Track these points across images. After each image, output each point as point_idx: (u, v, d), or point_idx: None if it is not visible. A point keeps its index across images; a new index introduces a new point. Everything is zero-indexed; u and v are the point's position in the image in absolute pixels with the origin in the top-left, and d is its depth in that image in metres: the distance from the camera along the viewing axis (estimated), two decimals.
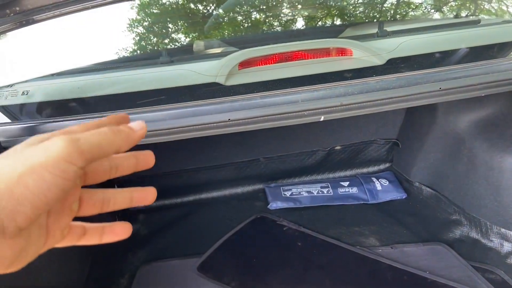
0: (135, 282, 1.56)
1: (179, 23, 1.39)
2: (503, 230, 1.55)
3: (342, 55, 1.08)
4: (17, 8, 0.97)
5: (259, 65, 1.06)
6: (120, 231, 0.47)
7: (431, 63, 1.10)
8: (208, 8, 1.36)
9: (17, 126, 0.90)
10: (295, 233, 1.75)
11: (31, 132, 0.90)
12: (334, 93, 0.93)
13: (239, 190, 2.10)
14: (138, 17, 1.27)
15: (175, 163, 1.96)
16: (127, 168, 0.45)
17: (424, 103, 1.00)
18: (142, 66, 1.15)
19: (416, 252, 1.61)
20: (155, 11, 1.35)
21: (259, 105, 0.92)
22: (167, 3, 1.41)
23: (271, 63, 1.06)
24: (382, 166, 2.18)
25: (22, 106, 1.01)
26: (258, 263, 1.60)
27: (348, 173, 2.17)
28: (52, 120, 0.92)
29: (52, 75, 1.10)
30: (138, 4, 1.32)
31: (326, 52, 1.09)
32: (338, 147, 2.04)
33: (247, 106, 0.91)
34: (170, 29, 1.35)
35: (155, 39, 1.36)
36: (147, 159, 0.46)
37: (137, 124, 0.44)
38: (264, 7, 1.39)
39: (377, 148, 2.09)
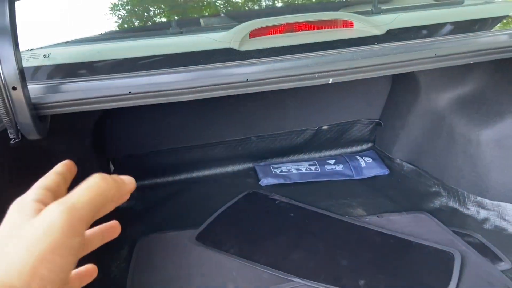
0: (135, 253, 1.61)
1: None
2: (479, 198, 1.69)
3: (344, 27, 1.17)
4: None
5: (269, 34, 1.14)
6: (117, 226, 0.51)
7: (425, 34, 1.21)
8: None
9: (45, 85, 0.94)
10: (287, 206, 1.84)
11: (56, 90, 0.94)
12: (341, 58, 1.03)
13: (229, 168, 2.17)
14: None
15: (168, 141, 2.01)
16: (96, 245, 0.47)
17: (421, 69, 1.10)
18: (154, 36, 1.21)
19: (401, 220, 1.72)
20: None
21: (274, 68, 1.00)
22: None
23: (279, 33, 1.15)
24: (365, 146, 2.30)
25: (43, 67, 1.05)
26: (254, 232, 1.68)
27: (333, 152, 2.28)
28: (75, 80, 0.97)
29: (70, 41, 1.14)
30: None
31: (329, 24, 1.18)
32: (325, 127, 2.14)
33: (263, 69, 0.99)
34: (179, 4, 1.41)
35: (163, 14, 1.41)
36: (113, 231, 0.48)
37: (127, 178, 0.44)
38: None
39: (361, 128, 2.21)
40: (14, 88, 0.84)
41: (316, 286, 1.40)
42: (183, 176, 2.12)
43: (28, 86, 0.92)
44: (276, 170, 2.08)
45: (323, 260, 1.52)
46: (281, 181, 2.02)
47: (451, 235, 1.62)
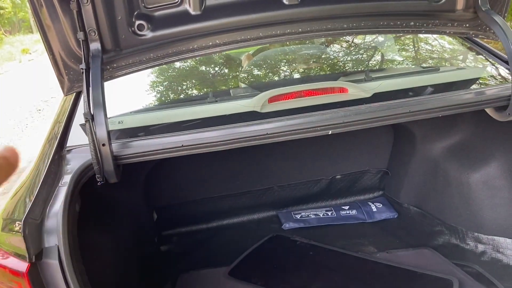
0: (178, 286, 1.88)
1: (219, 75, 1.86)
2: (476, 234, 1.92)
3: (341, 92, 1.52)
4: (114, 65, 1.41)
5: (283, 100, 1.50)
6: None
7: (402, 95, 1.55)
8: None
9: (120, 143, 1.30)
10: (307, 246, 2.10)
11: (127, 146, 1.30)
12: (338, 115, 1.36)
13: (255, 216, 2.46)
14: (190, 72, 1.73)
15: (202, 192, 2.34)
16: None
17: (400, 121, 1.42)
18: (196, 104, 1.60)
19: (407, 255, 1.96)
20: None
21: (286, 124, 1.33)
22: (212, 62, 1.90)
23: (292, 98, 1.50)
24: (376, 194, 2.57)
25: (119, 130, 1.43)
26: (278, 268, 1.94)
27: (347, 200, 2.55)
28: (142, 139, 1.34)
29: (136, 111, 1.54)
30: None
31: (329, 90, 1.53)
32: (338, 176, 2.44)
33: (278, 125, 1.33)
34: (213, 80, 1.82)
35: (203, 87, 1.81)
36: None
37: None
38: (283, 60, 1.87)
39: (370, 177, 2.49)
40: (103, 145, 1.19)
41: None
42: (215, 224, 2.41)
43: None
44: (296, 215, 2.36)
45: None
46: (301, 225, 2.29)
47: (452, 266, 1.84)
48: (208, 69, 1.90)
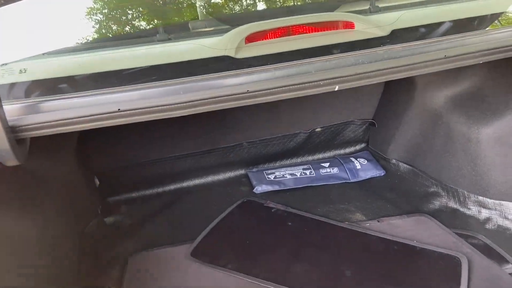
0: (127, 273, 1.51)
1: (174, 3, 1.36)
2: (480, 198, 1.65)
3: (344, 28, 1.11)
4: None
5: (265, 39, 1.07)
6: None
7: (432, 34, 1.15)
8: None
9: (23, 105, 0.85)
10: (284, 214, 1.77)
11: (33, 110, 0.85)
12: (346, 63, 0.96)
13: (221, 176, 2.09)
14: None
15: (155, 152, 1.92)
16: None
17: (430, 71, 1.05)
18: (140, 44, 1.12)
19: (402, 224, 1.67)
20: None
21: (276, 76, 0.92)
22: None
23: (277, 37, 1.07)
24: (358, 147, 2.25)
25: (19, 84, 0.95)
26: (251, 244, 1.61)
27: (326, 155, 2.22)
28: (56, 98, 0.88)
29: (48, 53, 1.04)
30: None
31: (329, 25, 1.12)
32: (318, 129, 2.08)
33: (264, 78, 0.92)
34: (164, 9, 1.32)
35: (149, 18, 1.32)
36: None
37: None
38: None
39: (354, 129, 2.15)
40: None
41: None
42: (173, 187, 2.03)
43: (4, 107, 0.82)
44: (270, 176, 2.01)
45: (326, 272, 1.45)
46: (276, 187, 1.95)
47: (455, 237, 1.58)
48: None
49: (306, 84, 0.92)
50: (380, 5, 1.28)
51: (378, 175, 2.03)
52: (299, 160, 2.17)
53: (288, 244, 1.59)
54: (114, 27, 1.20)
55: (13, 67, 0.95)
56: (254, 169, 2.10)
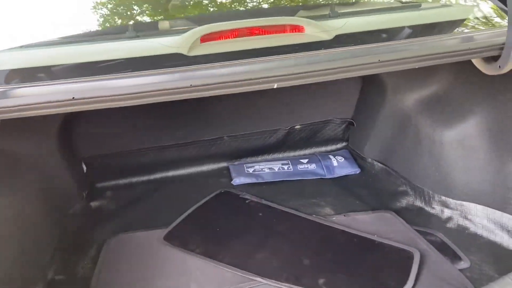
0: (102, 253, 1.62)
1: (146, 3, 1.46)
2: (443, 197, 1.72)
3: (295, 32, 1.19)
4: None
5: (220, 39, 1.16)
6: None
7: (373, 39, 1.23)
8: None
9: None
10: (257, 205, 1.87)
11: (2, 96, 0.96)
12: (286, 64, 1.05)
13: (204, 168, 2.19)
14: None
15: (142, 141, 2.03)
16: None
17: (365, 73, 1.12)
18: (108, 40, 1.23)
19: (366, 219, 1.75)
20: None
21: (219, 74, 1.01)
22: None
23: (231, 38, 1.16)
24: (339, 145, 2.32)
25: None
26: (221, 232, 1.70)
27: (307, 151, 2.29)
28: (23, 86, 0.99)
29: (21, 47, 1.15)
30: None
31: (280, 29, 1.20)
32: (298, 126, 2.16)
33: (207, 74, 1.01)
34: (136, 9, 1.43)
35: (121, 17, 1.42)
36: None
37: None
38: None
39: (333, 128, 2.23)
40: None
41: (277, 285, 1.43)
42: (157, 176, 2.13)
43: None
44: (249, 169, 2.11)
45: (286, 260, 1.54)
46: (253, 180, 2.04)
47: (414, 233, 1.65)
48: None
49: (246, 81, 1.01)
50: (340, 11, 1.36)
51: (353, 172, 2.11)
52: (280, 155, 2.25)
53: (255, 233, 1.69)
54: (88, 24, 1.30)
55: None
56: (236, 162, 2.19)
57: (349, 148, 2.29)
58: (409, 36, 1.27)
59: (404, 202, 1.86)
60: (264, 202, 1.88)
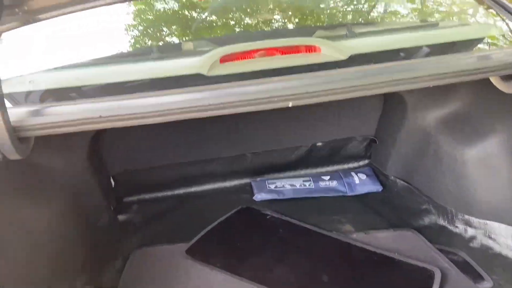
0: (127, 265, 1.68)
1: (171, 25, 1.55)
2: (466, 216, 1.69)
3: (310, 52, 1.23)
4: (25, 8, 1.11)
5: (239, 59, 1.22)
6: None
7: (388, 58, 1.25)
8: (197, 13, 1.52)
9: (27, 109, 1.04)
10: (277, 221, 1.89)
11: (36, 114, 1.04)
12: (301, 83, 1.09)
13: (227, 183, 2.23)
14: (134, 20, 1.43)
15: (167, 157, 2.10)
16: None
17: (379, 92, 1.15)
18: (135, 61, 1.31)
19: (387, 237, 1.74)
20: (149, 16, 1.51)
21: (236, 92, 1.07)
22: (161, 9, 1.58)
23: (249, 58, 1.22)
24: (361, 162, 2.33)
25: (28, 93, 1.16)
26: (242, 247, 1.74)
27: (329, 169, 2.31)
28: (56, 105, 1.07)
29: (55, 68, 1.25)
30: (134, 10, 1.49)
31: (296, 49, 1.25)
32: (319, 144, 2.19)
33: (225, 93, 1.06)
34: (162, 31, 1.51)
35: (148, 39, 1.51)
36: None
37: None
38: (246, 11, 1.55)
39: (356, 145, 2.24)
40: None
41: None
42: (181, 191, 2.20)
43: (11, 110, 1.02)
44: (271, 185, 2.14)
45: (305, 276, 1.55)
46: (275, 196, 2.07)
47: (435, 252, 1.63)
48: (155, 15, 1.58)
49: (262, 100, 1.06)
50: (357, 31, 1.39)
51: (375, 190, 2.11)
52: (302, 172, 2.28)
53: (275, 249, 1.71)
54: (117, 46, 1.39)
55: (24, 79, 1.15)
56: (258, 179, 2.23)
57: (371, 165, 2.29)
58: (424, 55, 1.30)
59: (426, 220, 1.84)
60: (284, 218, 1.90)
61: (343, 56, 1.21)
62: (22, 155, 1.03)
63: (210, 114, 1.05)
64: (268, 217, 1.93)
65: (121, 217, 2.02)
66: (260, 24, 1.60)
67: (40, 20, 1.13)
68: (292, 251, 1.69)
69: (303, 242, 1.75)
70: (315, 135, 2.15)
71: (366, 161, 2.33)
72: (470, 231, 1.69)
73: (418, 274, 1.51)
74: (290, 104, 1.08)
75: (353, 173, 2.20)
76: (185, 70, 1.19)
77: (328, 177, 2.18)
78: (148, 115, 1.03)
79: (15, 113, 1.01)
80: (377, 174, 2.21)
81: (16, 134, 1.00)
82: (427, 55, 1.30)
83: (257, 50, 1.22)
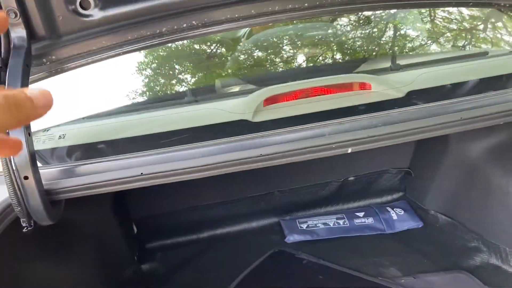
0: None
1: (201, 65, 1.45)
2: None
3: (361, 89, 1.13)
4: (53, 57, 1.02)
5: (283, 101, 1.11)
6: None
7: (449, 94, 1.15)
8: (230, 51, 1.43)
9: (59, 169, 0.93)
10: (315, 266, 1.75)
11: (70, 174, 0.93)
12: (359, 126, 0.98)
13: (254, 224, 2.10)
14: (161, 62, 1.33)
15: (190, 200, 1.98)
16: None
17: (446, 133, 1.04)
18: (169, 107, 1.20)
19: (439, 281, 1.60)
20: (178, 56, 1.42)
21: (288, 139, 0.96)
22: (191, 48, 1.49)
23: (294, 99, 1.11)
24: (395, 196, 2.19)
25: (58, 149, 1.05)
26: None
27: (362, 203, 2.18)
28: (87, 162, 0.96)
29: (86, 117, 1.14)
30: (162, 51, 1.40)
31: (345, 87, 1.14)
32: (351, 178, 2.06)
33: (277, 141, 0.95)
34: (192, 71, 1.41)
35: (179, 81, 1.41)
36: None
37: (41, 94, 0.36)
38: (284, 45, 1.46)
39: (389, 178, 2.11)
40: (26, 178, 0.83)
41: None
42: (206, 234, 2.06)
43: (42, 170, 0.91)
44: (302, 225, 2.00)
45: None
46: (308, 237, 1.94)
47: None
48: (184, 58, 1.48)
49: (318, 147, 0.95)
50: (401, 63, 1.29)
51: (415, 226, 1.97)
52: (332, 208, 2.15)
53: None
54: (147, 91, 1.29)
55: (53, 133, 1.05)
56: (287, 217, 2.10)
57: (407, 199, 2.16)
58: (488, 88, 1.18)
59: (477, 260, 1.69)
60: (322, 262, 1.76)
61: (399, 94, 1.10)
62: (54, 220, 0.92)
63: (261, 165, 0.94)
64: (304, 261, 1.79)
65: (145, 267, 1.89)
66: (290, 62, 1.49)
67: (68, 69, 1.04)
68: None
69: None
70: (347, 170, 2.03)
71: (400, 194, 2.19)
72: None
73: None
74: (349, 150, 0.96)
75: (389, 208, 2.07)
76: (227, 116, 1.08)
77: (362, 214, 2.05)
78: (195, 170, 0.92)
79: (46, 173, 0.90)
80: (414, 208, 2.07)
81: (49, 197, 0.89)
82: (488, 88, 1.19)
83: (304, 90, 1.11)
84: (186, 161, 0.93)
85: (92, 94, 1.22)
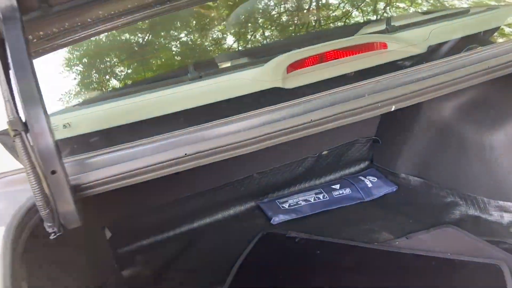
0: None
1: (199, 38, 1.31)
2: (501, 202, 1.67)
3: (379, 49, 1.10)
4: (41, 33, 0.84)
5: (305, 66, 1.04)
6: None
7: (466, 46, 1.17)
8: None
9: (74, 161, 0.77)
10: (310, 242, 1.72)
11: (89, 166, 0.77)
12: (398, 81, 0.95)
13: (231, 211, 2.01)
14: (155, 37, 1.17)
15: (165, 194, 1.82)
16: None
17: (475, 83, 1.05)
18: (175, 84, 1.06)
19: (431, 238, 1.66)
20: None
21: (335, 101, 0.89)
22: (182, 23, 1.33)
23: (315, 64, 1.05)
24: (362, 165, 2.24)
25: (65, 140, 0.87)
26: (285, 279, 1.54)
27: (333, 176, 2.19)
28: (111, 150, 0.80)
29: (86, 102, 0.96)
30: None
31: (366, 47, 1.10)
32: (325, 152, 2.06)
33: (323, 105, 0.89)
34: (192, 45, 1.27)
35: (177, 56, 1.26)
36: None
37: None
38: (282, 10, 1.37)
39: (359, 148, 2.15)
40: (53, 172, 0.66)
41: None
42: (184, 229, 1.92)
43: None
44: (284, 205, 1.96)
45: None
46: (293, 215, 1.90)
47: (486, 245, 1.57)
48: (176, 30, 1.32)
49: (366, 107, 0.90)
50: (396, 24, 1.29)
51: (390, 191, 2.03)
52: (307, 185, 2.13)
53: (322, 273, 1.54)
54: (147, 69, 1.13)
55: (55, 122, 0.86)
56: (265, 200, 2.04)
57: (374, 166, 2.21)
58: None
59: (457, 213, 1.79)
60: (315, 237, 1.74)
61: (420, 50, 1.09)
62: (81, 222, 0.75)
63: (311, 132, 0.86)
64: (296, 240, 1.74)
65: (126, 273, 1.71)
66: (287, 31, 1.42)
67: (58, 46, 0.86)
68: (341, 272, 1.54)
69: (348, 260, 1.60)
70: (321, 144, 2.02)
71: (367, 163, 2.24)
72: (507, 217, 1.67)
73: (486, 272, 1.44)
74: (393, 108, 0.93)
75: (361, 177, 2.10)
76: (252, 86, 0.98)
77: (338, 186, 2.06)
78: (245, 143, 0.81)
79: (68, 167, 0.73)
80: (384, 174, 2.13)
81: (78, 196, 0.72)
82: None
83: (323, 53, 1.05)
84: (236, 134, 0.82)
85: (95, 75, 1.03)
